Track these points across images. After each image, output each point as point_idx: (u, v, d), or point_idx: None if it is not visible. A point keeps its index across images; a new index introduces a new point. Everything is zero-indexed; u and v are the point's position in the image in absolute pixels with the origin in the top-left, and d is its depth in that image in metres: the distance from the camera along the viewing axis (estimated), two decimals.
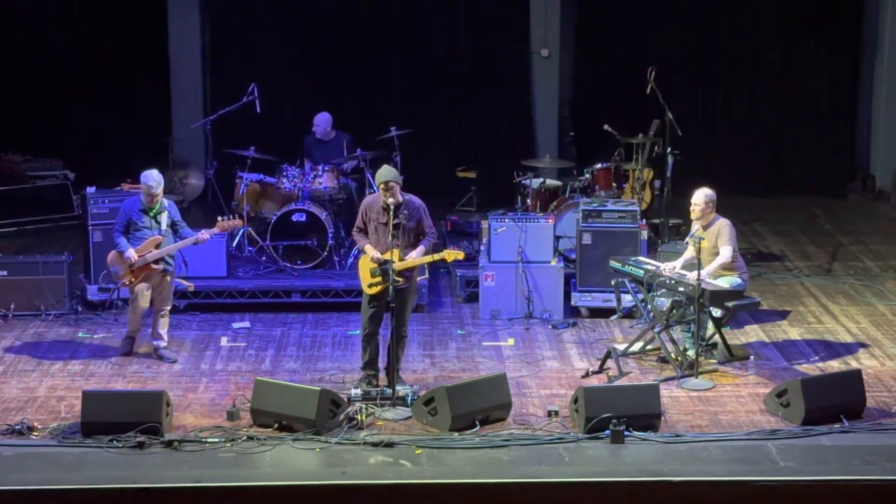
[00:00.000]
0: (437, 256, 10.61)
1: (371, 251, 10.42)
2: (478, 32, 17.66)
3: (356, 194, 13.99)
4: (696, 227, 11.29)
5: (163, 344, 11.41)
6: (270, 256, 13.43)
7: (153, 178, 11.20)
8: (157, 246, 11.15)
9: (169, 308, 11.47)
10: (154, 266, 11.17)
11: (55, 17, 17.44)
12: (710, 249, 11.17)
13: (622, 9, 17.91)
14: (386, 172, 10.40)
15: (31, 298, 12.56)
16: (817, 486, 9.01)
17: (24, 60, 17.46)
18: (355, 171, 14.30)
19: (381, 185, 10.36)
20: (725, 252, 11.10)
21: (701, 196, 11.24)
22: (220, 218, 11.61)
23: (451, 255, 10.60)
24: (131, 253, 11.09)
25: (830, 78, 18.08)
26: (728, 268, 11.17)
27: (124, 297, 12.41)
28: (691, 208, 11.30)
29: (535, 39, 17.73)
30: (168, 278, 11.34)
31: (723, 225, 11.19)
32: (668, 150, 13.83)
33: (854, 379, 10.26)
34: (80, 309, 12.64)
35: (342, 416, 9.80)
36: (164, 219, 11.24)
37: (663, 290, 11.25)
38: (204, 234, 11.36)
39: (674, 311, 11.14)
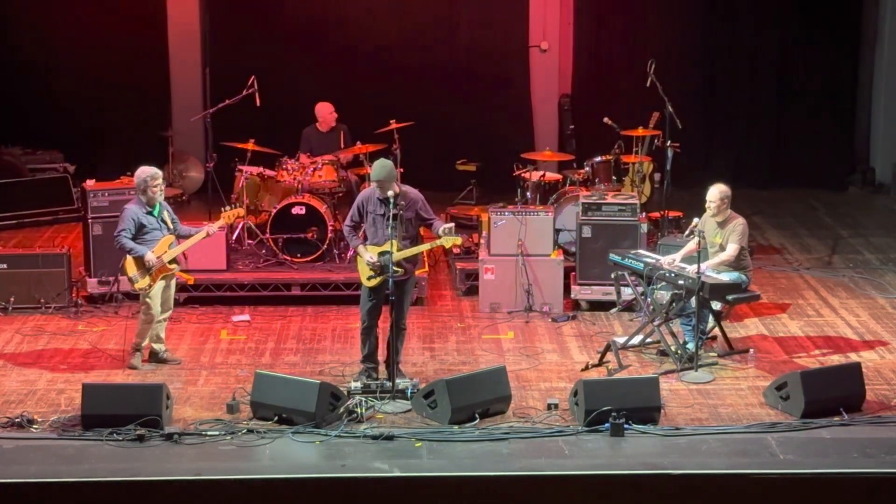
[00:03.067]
0: (435, 243, 10.63)
1: (365, 253, 10.40)
2: (477, 25, 17.66)
3: (356, 187, 13.99)
4: (696, 220, 11.29)
5: (163, 347, 11.22)
6: (270, 249, 13.43)
7: (152, 170, 10.88)
8: (170, 245, 10.96)
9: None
10: (170, 266, 10.95)
11: (55, 8, 17.43)
12: (721, 245, 11.17)
13: (621, 1, 17.88)
14: (379, 170, 10.35)
15: (30, 291, 12.56)
16: (817, 479, 9.02)
17: (23, 53, 17.47)
18: (355, 163, 14.30)
19: (375, 184, 10.35)
20: (730, 249, 11.10)
21: (716, 192, 11.23)
22: (223, 209, 11.45)
23: (450, 241, 10.57)
24: (151, 256, 10.74)
25: (830, 70, 18.06)
26: (735, 266, 11.15)
27: (124, 291, 12.42)
28: (707, 205, 11.27)
29: (535, 32, 17.73)
30: (174, 280, 11.20)
31: (737, 224, 11.19)
32: (668, 142, 13.82)
33: (853, 372, 10.26)
34: (80, 302, 12.64)
35: (342, 409, 9.80)
36: (167, 217, 11.01)
37: (663, 284, 11.25)
38: (213, 227, 11.17)
39: (673, 304, 11.14)
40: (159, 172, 11.00)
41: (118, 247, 10.83)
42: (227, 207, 11.51)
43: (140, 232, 10.82)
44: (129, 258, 10.79)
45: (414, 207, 10.46)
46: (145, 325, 10.98)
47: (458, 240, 10.67)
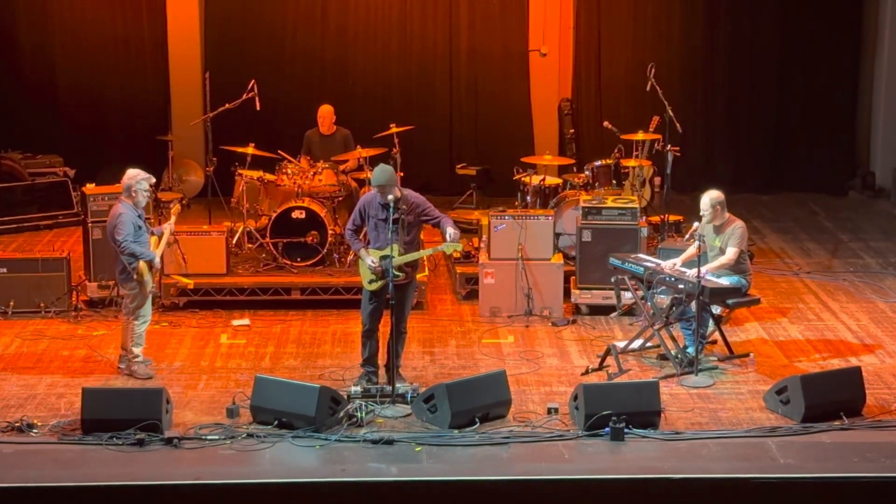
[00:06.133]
0: (436, 249, 10.62)
1: (366, 257, 10.40)
2: (477, 30, 17.67)
3: (356, 191, 13.98)
4: (696, 224, 11.27)
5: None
6: (270, 253, 13.43)
7: (145, 174, 10.81)
8: (158, 245, 10.95)
9: None
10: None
11: (55, 12, 17.44)
12: (721, 248, 11.15)
13: (621, 5, 17.88)
14: (379, 175, 10.36)
15: (30, 296, 12.55)
16: (817, 483, 9.01)
17: (23, 57, 17.48)
18: (356, 169, 14.29)
19: (375, 188, 10.36)
20: (730, 253, 11.07)
21: (707, 202, 11.16)
22: (170, 205, 11.36)
23: (450, 247, 10.56)
24: (158, 261, 10.82)
25: (830, 75, 18.07)
26: (734, 269, 11.14)
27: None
28: (701, 214, 11.24)
29: (534, 36, 17.74)
30: None
31: (736, 227, 11.15)
32: (668, 146, 13.82)
33: (854, 376, 10.25)
34: (79, 306, 12.63)
35: (342, 414, 9.79)
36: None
37: (663, 288, 11.24)
38: (172, 223, 11.14)
39: (674, 308, 11.14)
40: (151, 177, 10.94)
41: (127, 253, 10.62)
42: (171, 204, 11.41)
43: (136, 235, 10.74)
44: (142, 264, 10.68)
45: (415, 211, 10.45)
46: (141, 327, 10.89)
47: (459, 246, 10.67)
